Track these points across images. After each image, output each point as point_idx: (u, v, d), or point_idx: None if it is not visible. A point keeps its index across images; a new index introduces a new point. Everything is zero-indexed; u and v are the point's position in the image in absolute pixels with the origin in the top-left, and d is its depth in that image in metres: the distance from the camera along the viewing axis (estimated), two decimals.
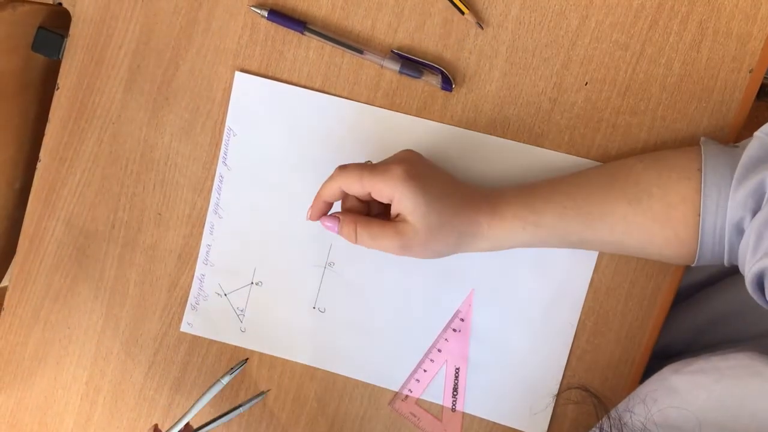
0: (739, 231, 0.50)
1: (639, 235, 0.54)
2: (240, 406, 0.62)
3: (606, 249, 0.57)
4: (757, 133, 0.52)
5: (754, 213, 0.49)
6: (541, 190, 0.56)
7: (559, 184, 0.56)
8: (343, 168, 0.56)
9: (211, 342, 0.67)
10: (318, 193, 0.57)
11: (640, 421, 0.44)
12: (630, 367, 0.63)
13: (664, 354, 0.70)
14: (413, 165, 0.54)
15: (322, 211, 0.58)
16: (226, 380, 0.61)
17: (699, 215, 0.51)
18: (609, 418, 0.46)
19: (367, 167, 0.55)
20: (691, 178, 0.52)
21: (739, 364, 0.45)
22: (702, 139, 0.56)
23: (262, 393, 0.64)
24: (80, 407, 0.70)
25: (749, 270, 0.49)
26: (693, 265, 0.54)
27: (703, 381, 0.45)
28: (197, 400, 0.60)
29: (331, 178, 0.56)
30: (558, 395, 0.62)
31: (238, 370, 0.62)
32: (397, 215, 0.55)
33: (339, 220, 0.57)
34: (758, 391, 0.42)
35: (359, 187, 0.54)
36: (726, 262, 0.54)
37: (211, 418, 0.61)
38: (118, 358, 0.69)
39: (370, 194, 0.55)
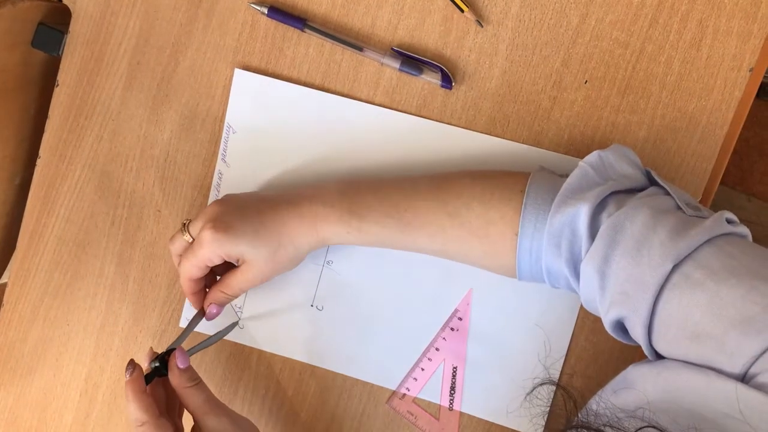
0: (557, 256, 0.51)
1: (459, 245, 0.56)
2: (218, 333, 0.64)
3: (431, 255, 0.58)
4: (581, 162, 0.53)
5: (569, 242, 0.51)
6: (367, 196, 0.57)
7: (385, 190, 0.57)
8: (180, 265, 0.59)
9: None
10: (186, 293, 0.61)
11: (605, 408, 0.46)
12: (629, 364, 0.63)
13: None
14: (218, 218, 0.56)
15: (198, 291, 0.61)
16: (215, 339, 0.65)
17: (517, 235, 0.53)
18: (578, 415, 0.47)
19: (186, 254, 0.58)
20: (513, 199, 0.53)
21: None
22: (538, 165, 0.57)
23: (235, 323, 0.66)
24: (79, 404, 0.70)
25: (605, 316, 0.50)
26: (518, 280, 0.56)
27: (648, 372, 0.47)
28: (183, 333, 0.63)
29: (180, 276, 0.60)
30: (529, 394, 0.62)
31: (228, 332, 0.65)
32: (238, 259, 0.58)
33: (212, 304, 0.61)
34: (690, 379, 0.43)
35: (198, 271, 0.58)
36: (548, 284, 0.55)
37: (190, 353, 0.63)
38: (118, 354, 0.69)
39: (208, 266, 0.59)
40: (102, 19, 0.65)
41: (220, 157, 0.65)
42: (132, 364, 0.58)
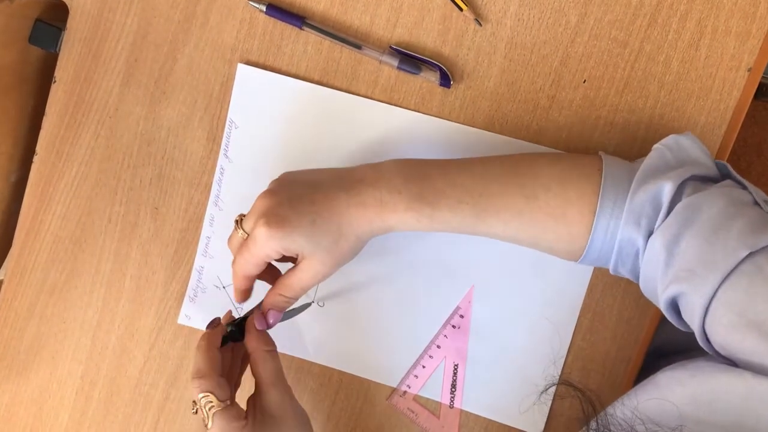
0: (637, 232, 0.51)
1: (532, 229, 0.54)
2: (291, 310, 0.61)
3: (500, 239, 0.56)
4: (656, 145, 0.53)
5: (649, 219, 0.50)
6: (437, 180, 0.54)
7: (455, 173, 0.54)
8: (234, 262, 0.56)
9: None
10: (238, 290, 0.59)
11: (624, 414, 0.45)
12: (626, 364, 0.63)
13: (661, 352, 0.70)
14: (271, 211, 0.53)
15: (250, 288, 0.59)
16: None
17: (594, 213, 0.52)
18: (597, 419, 0.46)
19: (240, 251, 0.55)
20: (592, 176, 0.52)
21: (716, 362, 0.45)
22: (600, 152, 0.56)
23: (309, 303, 0.64)
24: (75, 402, 0.70)
25: (662, 293, 0.49)
26: (576, 262, 0.55)
27: (680, 375, 0.46)
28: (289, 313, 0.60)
29: (235, 273, 0.57)
30: (543, 393, 0.62)
31: (300, 312, 0.63)
32: (296, 256, 0.55)
33: (270, 312, 0.57)
34: (728, 385, 0.42)
35: (254, 267, 0.55)
36: (611, 268, 0.54)
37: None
38: (114, 352, 0.69)
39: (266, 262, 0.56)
40: (99, 16, 0.65)
41: (222, 152, 0.65)
42: (216, 321, 0.57)
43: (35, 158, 0.67)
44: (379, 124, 0.63)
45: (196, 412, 0.55)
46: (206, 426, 0.54)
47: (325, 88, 0.63)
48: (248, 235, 0.54)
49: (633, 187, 0.51)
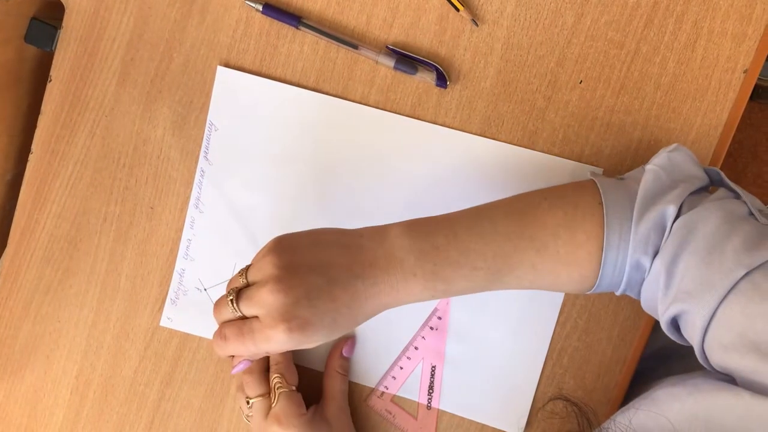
0: (646, 260, 0.51)
1: (545, 278, 0.53)
2: None
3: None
4: (648, 167, 0.53)
5: (656, 247, 0.50)
6: (449, 250, 0.52)
7: (464, 237, 0.52)
8: (228, 342, 0.53)
9: (203, 337, 0.67)
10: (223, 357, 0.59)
11: (619, 428, 0.45)
12: (621, 365, 0.63)
13: (660, 355, 0.70)
14: (290, 313, 0.50)
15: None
16: None
17: (602, 249, 0.51)
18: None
19: (242, 339, 0.52)
20: (595, 214, 0.52)
21: (715, 380, 0.45)
22: (589, 171, 0.56)
23: None
24: (70, 401, 0.69)
25: (663, 314, 0.49)
26: (586, 293, 0.55)
27: (679, 392, 0.46)
28: None
29: (225, 352, 0.54)
30: (534, 403, 0.62)
31: None
32: None
33: (244, 360, 0.57)
34: (726, 404, 0.42)
35: (254, 357, 0.55)
36: (618, 292, 0.54)
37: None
38: (109, 352, 0.68)
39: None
40: (95, 15, 0.65)
41: (202, 154, 0.65)
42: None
43: (30, 157, 0.67)
44: (361, 128, 0.63)
45: (251, 407, 0.61)
46: (272, 405, 0.60)
47: (306, 90, 0.63)
48: (246, 318, 0.53)
49: (635, 216, 0.50)
